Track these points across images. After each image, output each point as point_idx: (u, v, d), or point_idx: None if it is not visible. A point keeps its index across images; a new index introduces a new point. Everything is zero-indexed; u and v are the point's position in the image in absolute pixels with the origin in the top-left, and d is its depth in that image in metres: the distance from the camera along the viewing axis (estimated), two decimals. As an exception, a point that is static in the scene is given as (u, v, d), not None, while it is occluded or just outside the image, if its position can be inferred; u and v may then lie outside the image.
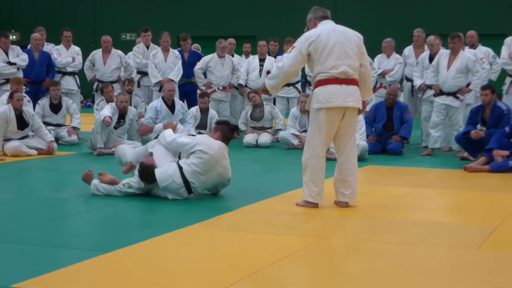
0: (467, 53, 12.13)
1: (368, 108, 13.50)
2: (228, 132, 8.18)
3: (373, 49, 14.48)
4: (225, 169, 7.99)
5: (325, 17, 7.57)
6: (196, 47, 16.85)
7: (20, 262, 5.40)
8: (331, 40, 7.31)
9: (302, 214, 7.30)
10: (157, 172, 7.79)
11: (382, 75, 14.00)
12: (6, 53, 13.86)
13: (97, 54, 15.11)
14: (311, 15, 7.61)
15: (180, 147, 7.97)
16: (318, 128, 7.36)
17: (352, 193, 7.54)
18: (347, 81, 7.30)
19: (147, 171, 7.80)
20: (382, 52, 14.32)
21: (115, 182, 8.01)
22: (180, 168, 7.79)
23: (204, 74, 14.66)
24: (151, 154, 8.04)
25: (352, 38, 7.43)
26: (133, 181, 7.95)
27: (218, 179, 8.00)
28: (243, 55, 15.70)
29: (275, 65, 7.68)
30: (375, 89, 14.26)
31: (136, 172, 7.95)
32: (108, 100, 13.19)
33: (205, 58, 14.66)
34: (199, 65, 14.55)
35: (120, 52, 15.12)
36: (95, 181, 8.01)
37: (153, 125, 11.11)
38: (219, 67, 14.55)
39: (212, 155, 7.80)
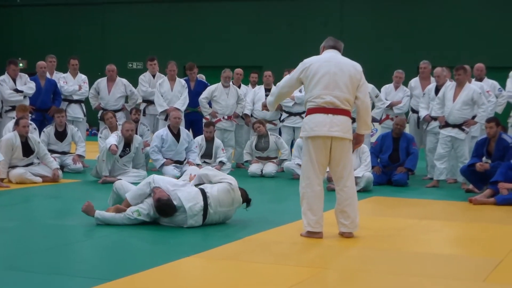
0: (473, 86, 12.15)
1: (374, 138, 13.53)
2: (246, 196, 8.40)
3: (378, 80, 14.55)
4: (231, 213, 8.23)
5: (333, 47, 7.62)
6: (200, 76, 16.91)
7: (24, 290, 5.38)
8: (322, 69, 7.37)
9: (305, 244, 7.27)
10: (181, 194, 7.87)
11: (390, 106, 14.01)
12: (14, 81, 13.92)
13: (101, 82, 15.16)
14: (323, 44, 7.73)
15: (212, 176, 8.17)
16: (309, 157, 7.40)
17: (352, 223, 7.51)
18: (334, 110, 7.33)
19: (167, 206, 7.83)
20: (388, 83, 14.34)
21: (120, 210, 8.00)
22: (203, 192, 7.95)
23: (210, 103, 14.70)
24: (155, 188, 7.99)
25: (347, 69, 7.43)
26: (143, 208, 7.95)
27: (226, 218, 8.19)
28: (249, 85, 15.74)
29: None
30: (381, 121, 14.28)
31: (148, 207, 7.95)
32: (110, 127, 13.22)
33: (210, 88, 14.70)
34: (204, 94, 14.59)
35: (124, 81, 15.17)
36: (99, 212, 7.97)
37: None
38: (224, 96, 14.59)
39: (237, 196, 8.16)
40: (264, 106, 8.02)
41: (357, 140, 7.70)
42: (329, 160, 7.47)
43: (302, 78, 7.46)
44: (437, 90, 12.78)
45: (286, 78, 7.74)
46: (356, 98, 7.48)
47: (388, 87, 14.29)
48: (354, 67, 7.51)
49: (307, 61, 7.53)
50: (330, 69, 7.37)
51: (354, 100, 7.46)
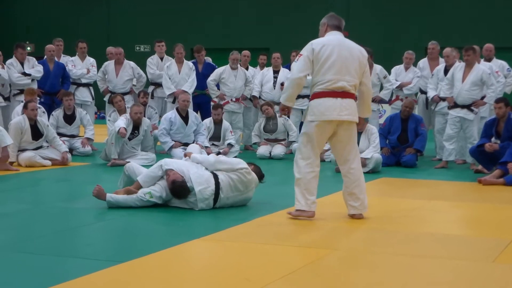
0: (482, 66, 12.11)
1: (382, 120, 13.51)
2: (260, 171, 8.46)
3: (387, 61, 14.51)
4: (249, 196, 8.25)
5: (337, 27, 7.53)
6: (207, 59, 16.89)
7: (34, 272, 5.40)
8: (334, 53, 7.29)
9: (315, 226, 7.28)
10: (193, 176, 7.86)
11: (400, 87, 13.96)
12: (22, 64, 13.94)
13: (109, 65, 15.16)
14: (326, 20, 7.58)
15: (226, 164, 8.11)
16: (309, 138, 7.36)
17: (361, 204, 7.53)
18: (343, 94, 7.30)
19: (181, 188, 7.84)
20: (396, 64, 14.30)
21: (130, 192, 8.02)
22: (215, 176, 7.94)
23: (218, 86, 14.69)
24: (169, 170, 7.99)
25: (356, 55, 7.40)
26: (155, 190, 7.96)
27: (240, 201, 8.19)
28: (258, 67, 15.71)
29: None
30: (391, 101, 14.26)
31: (161, 189, 7.96)
32: (119, 110, 13.23)
33: (218, 70, 14.69)
34: (212, 76, 14.58)
35: (132, 64, 15.17)
36: (110, 195, 7.98)
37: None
38: (232, 78, 14.58)
39: (252, 179, 8.14)
40: (283, 110, 7.72)
41: (361, 122, 7.74)
42: (335, 143, 7.48)
43: (314, 59, 7.32)
44: (446, 71, 12.73)
45: (300, 63, 7.35)
46: (361, 84, 7.47)
47: (398, 68, 14.25)
48: (361, 53, 7.48)
49: (317, 42, 7.39)
50: (342, 54, 7.31)
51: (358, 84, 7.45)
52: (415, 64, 14.25)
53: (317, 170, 7.41)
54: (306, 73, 7.42)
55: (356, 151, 7.56)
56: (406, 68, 14.16)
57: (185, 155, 8.66)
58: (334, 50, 7.30)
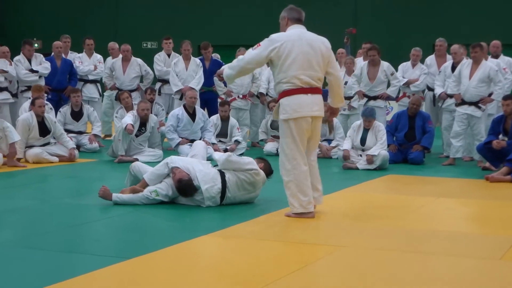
0: (489, 63, 12.08)
1: (389, 117, 13.50)
2: (269, 168, 8.43)
3: (394, 58, 14.49)
4: (257, 194, 8.23)
5: (298, 20, 7.52)
6: (215, 55, 16.88)
7: (41, 268, 5.41)
8: (295, 49, 7.29)
9: (321, 223, 7.28)
10: (199, 174, 7.86)
11: (407, 84, 13.94)
12: (29, 61, 13.97)
13: (116, 62, 15.17)
14: (285, 14, 7.55)
15: (236, 163, 8.06)
16: (292, 138, 7.34)
17: (321, 195, 7.65)
18: (312, 90, 7.34)
19: (188, 186, 7.84)
20: (404, 61, 14.27)
21: (136, 191, 8.02)
22: (222, 174, 7.93)
23: (225, 83, 14.68)
24: (175, 168, 7.98)
25: (318, 47, 7.40)
26: (161, 188, 7.96)
27: (247, 199, 8.18)
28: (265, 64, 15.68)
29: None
30: (398, 98, 14.24)
31: (168, 187, 7.96)
32: (126, 107, 13.24)
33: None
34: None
35: (139, 61, 15.18)
36: (116, 194, 7.98)
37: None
38: (239, 75, 14.56)
39: (260, 179, 8.11)
40: (219, 75, 7.79)
41: (332, 111, 7.87)
42: (309, 138, 7.53)
43: (273, 57, 7.35)
44: (453, 68, 12.71)
45: (253, 54, 7.43)
46: (328, 74, 7.52)
47: (405, 65, 14.22)
48: (324, 44, 7.48)
49: (277, 38, 7.36)
50: (303, 49, 7.31)
51: (324, 76, 7.52)
52: (422, 61, 14.22)
53: (305, 169, 7.36)
54: (253, 67, 7.60)
55: (317, 144, 7.71)
56: (413, 65, 14.13)
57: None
58: (294, 45, 7.30)
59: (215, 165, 8.22)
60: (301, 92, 7.28)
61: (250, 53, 7.47)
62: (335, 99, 7.71)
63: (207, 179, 7.88)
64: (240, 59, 7.55)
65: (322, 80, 7.49)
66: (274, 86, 7.59)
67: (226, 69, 7.65)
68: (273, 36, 7.40)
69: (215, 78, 14.42)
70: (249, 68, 7.58)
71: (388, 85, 13.56)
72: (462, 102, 11.99)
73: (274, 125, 13.82)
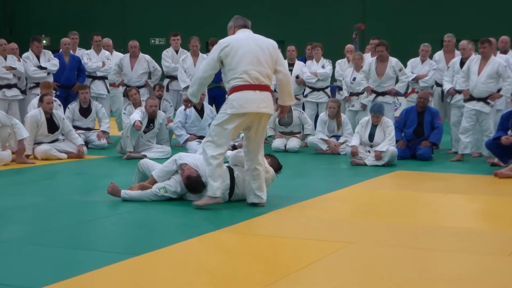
0: (498, 59, 12.04)
1: (398, 113, 13.48)
2: (278, 164, 8.48)
3: (403, 54, 14.46)
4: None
5: (244, 26, 7.82)
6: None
7: (49, 265, 5.43)
8: (243, 46, 7.50)
9: (329, 219, 7.28)
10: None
11: (416, 80, 13.90)
12: (38, 58, 13.98)
13: (124, 59, 15.16)
14: (232, 23, 7.90)
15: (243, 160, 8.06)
16: (224, 129, 7.51)
17: (264, 194, 7.76)
18: (260, 87, 7.48)
19: (196, 183, 7.84)
20: (412, 57, 14.24)
21: (145, 187, 8.03)
22: (231, 171, 7.96)
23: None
24: (183, 165, 7.98)
25: (265, 46, 7.61)
26: (170, 185, 7.97)
27: None
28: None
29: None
30: (407, 94, 14.21)
31: (178, 184, 7.96)
32: (134, 104, 13.24)
33: (233, 63, 14.65)
34: (226, 69, 14.55)
35: (147, 57, 15.17)
36: (125, 191, 7.99)
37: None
38: (246, 71, 14.55)
39: (269, 176, 8.11)
40: (185, 101, 8.15)
41: (283, 109, 8.00)
42: (252, 135, 7.67)
43: (222, 57, 7.55)
44: (461, 64, 12.67)
45: (205, 62, 7.77)
46: (277, 72, 7.66)
47: (414, 61, 14.17)
48: (272, 45, 7.70)
49: (224, 41, 7.65)
50: (251, 47, 7.52)
51: (273, 74, 7.65)
52: (431, 57, 14.18)
53: (221, 159, 7.57)
54: (210, 74, 7.70)
55: (261, 144, 7.77)
56: (422, 61, 14.09)
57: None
58: (242, 43, 7.53)
59: (225, 162, 8.22)
60: (250, 88, 7.45)
61: (203, 63, 7.83)
62: (284, 96, 7.86)
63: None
64: (197, 74, 7.88)
65: (271, 78, 7.65)
66: (225, 85, 7.71)
67: (189, 89, 7.96)
68: (221, 40, 7.69)
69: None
70: (207, 76, 7.75)
71: (397, 81, 13.53)
72: (470, 98, 11.95)
73: (282, 121, 13.82)
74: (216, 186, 7.55)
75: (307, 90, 14.71)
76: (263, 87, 7.50)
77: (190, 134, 12.98)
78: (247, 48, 7.49)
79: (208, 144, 7.59)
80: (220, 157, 7.56)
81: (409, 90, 14.20)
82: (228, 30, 7.88)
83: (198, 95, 7.96)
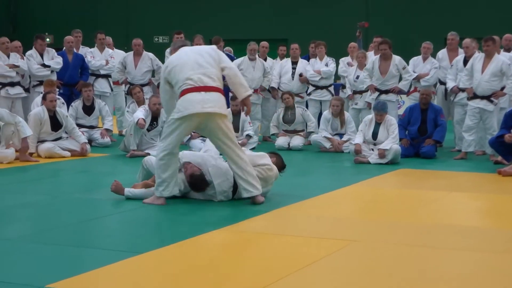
0: (501, 57, 12.02)
1: (401, 111, 13.46)
2: (282, 162, 8.46)
3: (406, 52, 14.45)
4: (268, 189, 8.20)
5: (182, 46, 7.97)
6: (228, 50, 16.87)
7: (54, 263, 5.44)
8: (180, 59, 7.66)
9: (333, 217, 7.28)
10: (211, 168, 7.87)
11: (417, 79, 13.88)
12: (41, 56, 13.99)
13: (128, 57, 15.16)
14: (171, 48, 8.20)
15: (249, 157, 8.03)
16: (173, 132, 7.57)
17: (254, 187, 7.70)
18: (206, 88, 7.50)
19: (200, 181, 7.85)
20: (416, 55, 14.22)
21: (148, 186, 8.03)
22: None
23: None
24: (186, 163, 7.98)
25: (203, 50, 7.80)
26: None
27: None
28: (278, 58, 15.68)
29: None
30: (409, 93, 14.19)
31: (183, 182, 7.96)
32: (138, 102, 13.25)
33: (236, 61, 14.66)
34: (230, 67, 14.54)
35: (151, 55, 15.17)
36: (129, 189, 8.00)
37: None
38: (250, 69, 14.57)
39: (273, 174, 8.10)
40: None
41: (243, 104, 7.93)
42: (209, 136, 7.79)
43: (167, 78, 7.69)
44: (465, 62, 12.65)
45: (161, 90, 7.94)
46: (223, 68, 7.71)
47: (416, 59, 14.15)
48: (210, 47, 7.86)
49: (165, 64, 7.97)
50: (188, 56, 7.67)
51: (221, 73, 7.71)
52: (434, 55, 14.16)
53: (166, 159, 7.61)
54: (167, 98, 7.84)
55: (232, 139, 7.72)
56: (424, 59, 14.06)
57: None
58: (179, 57, 7.72)
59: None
60: (194, 91, 7.49)
61: (161, 91, 7.99)
62: (238, 88, 7.84)
63: (219, 173, 7.89)
64: (162, 103, 8.12)
65: (220, 79, 7.66)
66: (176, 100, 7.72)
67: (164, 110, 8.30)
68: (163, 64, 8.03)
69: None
70: (168, 99, 7.87)
71: (400, 79, 13.52)
72: (474, 96, 11.94)
73: (285, 119, 13.82)
74: (162, 187, 7.65)
75: (311, 88, 14.70)
76: (209, 88, 7.52)
77: (193, 132, 12.97)
78: (185, 58, 7.62)
79: (162, 149, 7.66)
80: (165, 157, 7.60)
81: (411, 89, 14.18)
82: (170, 54, 8.13)
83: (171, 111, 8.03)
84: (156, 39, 26.87)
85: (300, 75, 14.68)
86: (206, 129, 7.67)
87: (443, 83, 13.62)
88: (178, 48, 7.93)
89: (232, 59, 15.14)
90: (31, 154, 11.41)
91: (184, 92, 7.49)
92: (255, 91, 14.57)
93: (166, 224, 7.14)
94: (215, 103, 7.53)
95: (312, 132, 13.71)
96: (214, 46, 7.89)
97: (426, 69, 13.94)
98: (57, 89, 13.24)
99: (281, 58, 15.53)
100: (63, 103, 13.04)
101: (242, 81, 7.86)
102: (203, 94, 7.47)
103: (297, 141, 13.55)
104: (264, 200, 7.77)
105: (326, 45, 14.92)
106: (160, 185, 7.66)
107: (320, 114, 14.27)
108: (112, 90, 15.19)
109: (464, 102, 12.49)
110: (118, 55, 15.55)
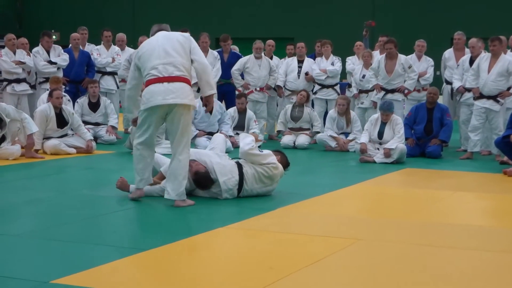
0: (508, 57, 12.02)
1: (406, 110, 13.45)
2: (287, 161, 8.45)
3: (412, 52, 14.43)
4: (274, 187, 8.19)
5: (159, 30, 7.86)
6: (233, 48, 16.86)
7: (59, 259, 5.45)
8: (150, 44, 7.60)
9: (338, 216, 7.28)
10: (216, 166, 7.86)
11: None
12: (48, 52, 14.02)
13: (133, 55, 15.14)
14: (150, 33, 7.95)
15: (257, 156, 8.04)
16: (144, 122, 7.59)
17: (173, 190, 7.53)
18: (169, 78, 7.41)
19: (204, 179, 7.85)
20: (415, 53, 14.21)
21: (154, 183, 8.04)
22: (240, 166, 7.93)
23: (242, 75, 14.68)
24: (192, 161, 7.97)
25: (173, 37, 7.63)
26: None
27: (264, 192, 8.15)
28: (286, 57, 15.67)
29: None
30: (407, 93, 14.15)
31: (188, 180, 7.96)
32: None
33: (242, 59, 14.68)
34: (236, 66, 14.58)
35: (157, 53, 15.13)
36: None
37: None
38: (256, 68, 14.57)
39: (278, 173, 8.09)
40: (133, 121, 8.21)
41: (205, 102, 7.80)
42: (168, 126, 7.66)
43: (137, 64, 7.64)
44: (471, 61, 12.64)
45: (129, 76, 7.93)
46: (193, 61, 7.60)
47: (410, 58, 14.08)
48: (181, 35, 7.72)
49: (138, 49, 7.85)
50: (158, 41, 7.58)
51: (190, 64, 7.60)
52: (440, 54, 14.12)
53: (142, 152, 7.65)
54: (133, 83, 7.78)
55: (188, 139, 7.62)
56: (419, 57, 14.05)
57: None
58: (149, 42, 7.66)
59: (233, 158, 8.22)
60: (157, 82, 7.42)
61: (128, 77, 7.96)
62: (202, 86, 7.72)
63: (224, 171, 7.89)
64: (126, 89, 8.02)
65: (188, 69, 7.55)
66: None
67: (125, 112, 8.06)
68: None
69: (232, 70, 14.46)
70: (130, 88, 7.86)
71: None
72: (480, 96, 11.93)
73: (293, 115, 13.81)
74: (138, 179, 7.71)
75: (317, 87, 14.71)
76: (173, 78, 7.40)
77: (199, 130, 12.99)
78: (154, 44, 7.55)
79: (136, 142, 7.71)
80: (139, 147, 7.65)
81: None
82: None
83: (132, 110, 7.97)
84: (162, 37, 26.86)
85: (306, 73, 14.68)
86: (168, 119, 7.54)
87: (449, 82, 13.61)
88: (154, 33, 7.84)
89: (239, 57, 15.17)
90: (37, 150, 11.43)
91: (148, 83, 7.46)
92: (261, 89, 14.59)
93: (171, 221, 7.14)
94: (177, 93, 7.39)
95: (318, 131, 13.70)
96: (187, 34, 7.74)
97: (423, 68, 13.93)
98: (63, 86, 13.26)
99: (289, 57, 15.53)
100: (69, 100, 13.05)
101: (209, 79, 7.69)
102: (166, 85, 7.38)
103: (302, 139, 13.55)
104: (185, 205, 7.54)
105: (332, 44, 14.92)
106: (136, 177, 7.72)
107: (326, 113, 14.28)
108: (118, 87, 15.19)
109: (470, 102, 12.48)
110: (128, 53, 15.54)
